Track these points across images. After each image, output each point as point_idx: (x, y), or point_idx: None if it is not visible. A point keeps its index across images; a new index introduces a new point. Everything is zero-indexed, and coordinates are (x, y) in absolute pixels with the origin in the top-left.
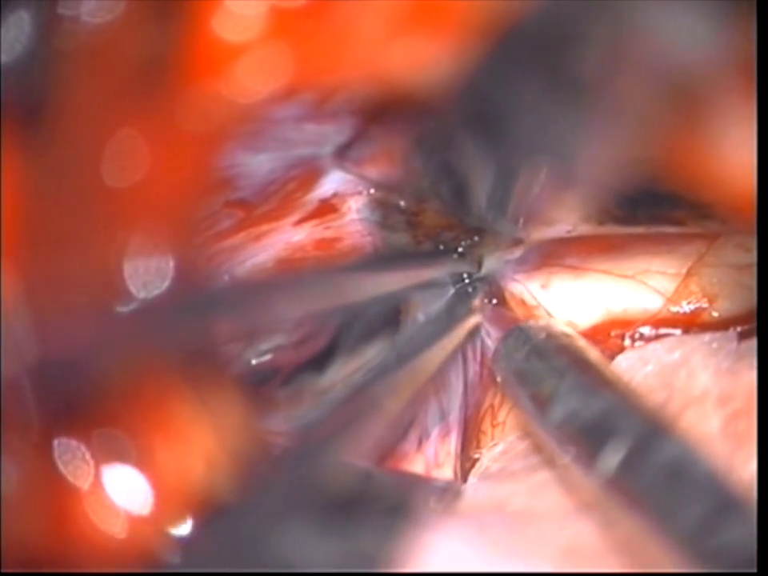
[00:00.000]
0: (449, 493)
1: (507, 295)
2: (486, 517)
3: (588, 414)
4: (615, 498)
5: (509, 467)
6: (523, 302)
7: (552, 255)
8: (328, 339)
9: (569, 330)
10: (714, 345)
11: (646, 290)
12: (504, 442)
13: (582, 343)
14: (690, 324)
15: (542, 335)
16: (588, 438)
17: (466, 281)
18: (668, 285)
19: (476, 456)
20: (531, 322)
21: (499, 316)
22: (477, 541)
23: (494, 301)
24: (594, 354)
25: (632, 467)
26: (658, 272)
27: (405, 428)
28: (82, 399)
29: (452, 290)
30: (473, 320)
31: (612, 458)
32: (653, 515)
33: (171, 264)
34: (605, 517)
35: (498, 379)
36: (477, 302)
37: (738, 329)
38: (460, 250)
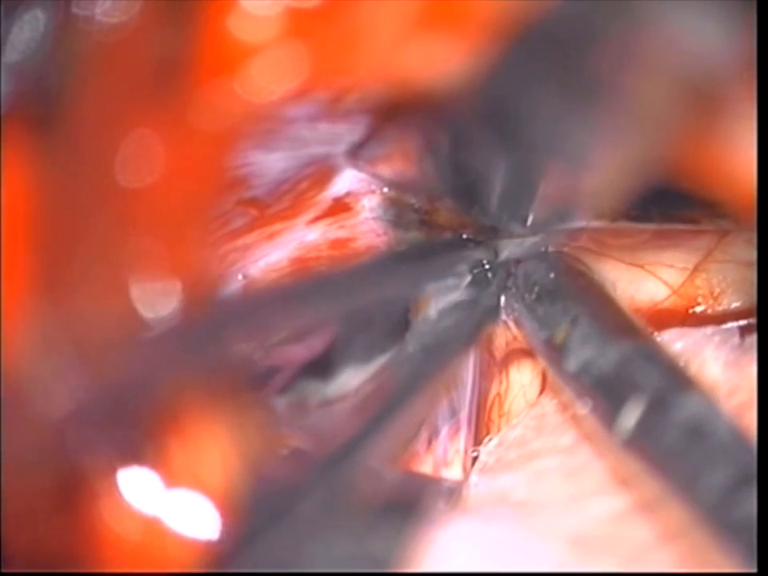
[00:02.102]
0: (457, 492)
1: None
2: (490, 510)
3: (604, 365)
4: (635, 460)
5: (505, 458)
6: None
7: (573, 240)
8: (334, 345)
9: (580, 267)
10: (717, 338)
11: (654, 280)
12: (497, 435)
13: (596, 280)
14: (692, 318)
15: (551, 274)
16: (605, 392)
17: (485, 267)
18: (675, 278)
19: (475, 454)
20: (538, 260)
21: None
22: (482, 535)
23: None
24: (607, 293)
25: (650, 427)
26: (666, 265)
27: (419, 428)
28: (99, 401)
29: (468, 279)
30: (493, 307)
31: (630, 415)
32: (672, 481)
33: (186, 267)
34: (627, 476)
35: (512, 323)
36: (495, 288)
37: (741, 322)
38: (473, 238)
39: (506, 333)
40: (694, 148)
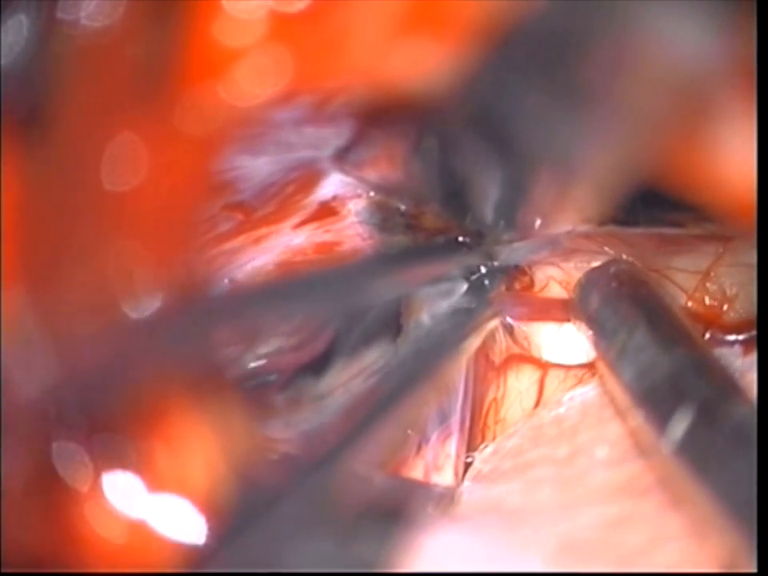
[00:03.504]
0: (447, 497)
1: (536, 279)
2: (482, 518)
3: (657, 375)
4: (682, 469)
5: (500, 467)
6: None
7: (580, 242)
8: (326, 343)
9: (643, 277)
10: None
11: (670, 285)
12: (493, 443)
13: (656, 290)
14: (712, 323)
15: (614, 284)
16: (657, 403)
17: (482, 272)
18: (689, 282)
19: (469, 460)
20: (602, 268)
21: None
22: (473, 542)
23: (516, 288)
24: (667, 303)
25: (697, 437)
26: (679, 269)
27: (408, 433)
28: (83, 403)
29: (464, 285)
30: (490, 313)
31: (678, 426)
32: (716, 491)
33: (171, 271)
34: (675, 489)
35: (578, 324)
36: (494, 294)
37: (742, 337)
38: (467, 240)
39: (504, 338)
40: (680, 151)
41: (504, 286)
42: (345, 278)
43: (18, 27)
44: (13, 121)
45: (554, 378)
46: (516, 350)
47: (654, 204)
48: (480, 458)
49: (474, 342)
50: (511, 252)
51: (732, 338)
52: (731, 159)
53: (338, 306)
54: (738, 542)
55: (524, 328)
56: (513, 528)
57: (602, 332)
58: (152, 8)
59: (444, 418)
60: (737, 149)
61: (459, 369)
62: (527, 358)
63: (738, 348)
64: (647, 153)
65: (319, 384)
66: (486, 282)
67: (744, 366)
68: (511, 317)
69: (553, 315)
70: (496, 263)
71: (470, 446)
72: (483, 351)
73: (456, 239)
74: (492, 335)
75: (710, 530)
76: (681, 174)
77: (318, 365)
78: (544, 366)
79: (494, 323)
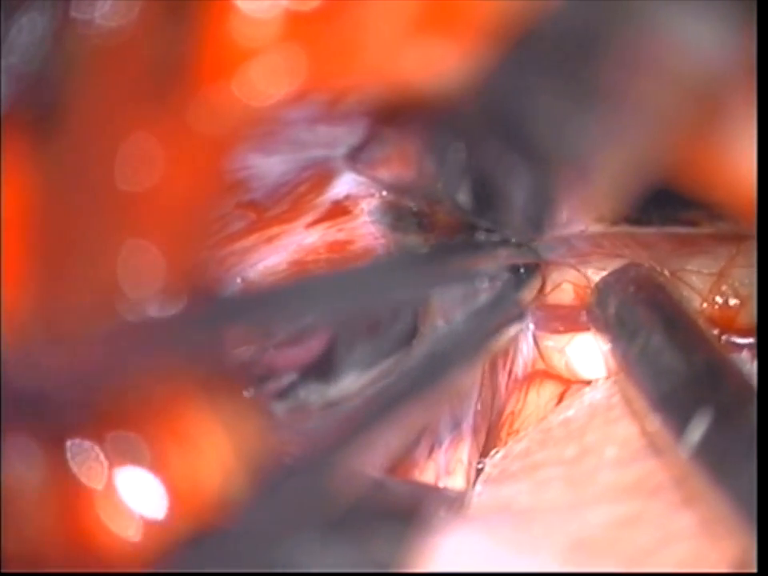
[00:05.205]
0: (459, 501)
1: (550, 280)
2: (492, 517)
3: (674, 380)
4: (698, 473)
5: (509, 469)
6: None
7: (596, 245)
8: (337, 348)
9: (660, 281)
10: None
11: (684, 288)
12: (504, 448)
13: (674, 294)
14: (726, 327)
15: (632, 288)
16: (674, 407)
17: (503, 274)
18: (703, 285)
19: (480, 466)
20: (620, 272)
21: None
22: (484, 541)
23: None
24: (684, 307)
25: (715, 441)
26: (693, 271)
27: (417, 436)
28: (97, 401)
29: (484, 286)
30: (510, 316)
31: (696, 430)
32: (731, 494)
33: (182, 270)
34: (690, 492)
35: (593, 330)
36: (517, 298)
37: (753, 340)
38: (488, 239)
39: (529, 352)
40: (694, 150)
41: (527, 291)
42: (360, 279)
43: (33, 26)
44: (26, 120)
45: (573, 391)
46: (541, 365)
47: (668, 203)
48: (490, 462)
49: (492, 347)
50: (532, 250)
51: (744, 341)
52: (744, 158)
53: (352, 307)
54: (752, 545)
55: (550, 343)
56: (522, 527)
57: (619, 336)
58: (166, 7)
59: (457, 423)
60: (750, 148)
61: (475, 374)
62: (552, 375)
63: (748, 351)
64: (661, 151)
65: (329, 390)
66: (509, 284)
67: (755, 370)
68: (534, 324)
69: (576, 324)
70: (518, 264)
71: (483, 453)
72: (506, 364)
73: (476, 238)
74: (516, 347)
75: (724, 532)
76: (694, 172)
77: (328, 371)
78: (567, 382)
79: (516, 329)
